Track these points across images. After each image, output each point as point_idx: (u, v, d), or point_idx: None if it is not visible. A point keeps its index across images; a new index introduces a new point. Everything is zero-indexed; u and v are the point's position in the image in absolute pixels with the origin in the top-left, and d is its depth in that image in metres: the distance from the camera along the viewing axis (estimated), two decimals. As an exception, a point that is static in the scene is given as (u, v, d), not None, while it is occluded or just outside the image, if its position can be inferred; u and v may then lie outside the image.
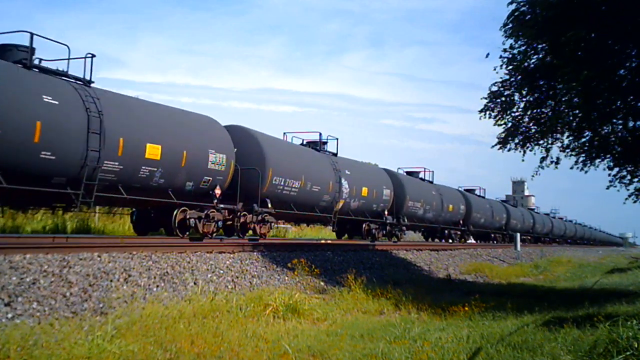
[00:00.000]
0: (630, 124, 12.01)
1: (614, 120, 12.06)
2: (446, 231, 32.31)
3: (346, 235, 25.23)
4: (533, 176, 13.04)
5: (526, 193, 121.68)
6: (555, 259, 32.09)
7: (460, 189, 36.42)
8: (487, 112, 12.67)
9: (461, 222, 33.67)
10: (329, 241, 20.44)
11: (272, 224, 17.60)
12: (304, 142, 21.44)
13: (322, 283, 12.44)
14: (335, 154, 22.02)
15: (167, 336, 6.71)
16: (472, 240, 36.63)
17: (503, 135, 12.73)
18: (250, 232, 16.94)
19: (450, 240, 32.46)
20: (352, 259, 15.95)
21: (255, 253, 12.97)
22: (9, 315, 6.95)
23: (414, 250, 21.17)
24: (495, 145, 12.87)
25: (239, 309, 8.71)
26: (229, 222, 15.90)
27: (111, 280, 8.80)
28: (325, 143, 21.72)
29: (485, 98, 12.63)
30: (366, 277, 12.32)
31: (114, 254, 9.71)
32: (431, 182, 31.02)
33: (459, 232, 33.86)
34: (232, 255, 12.18)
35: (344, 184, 20.89)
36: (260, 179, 16.26)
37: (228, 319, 8.05)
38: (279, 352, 6.56)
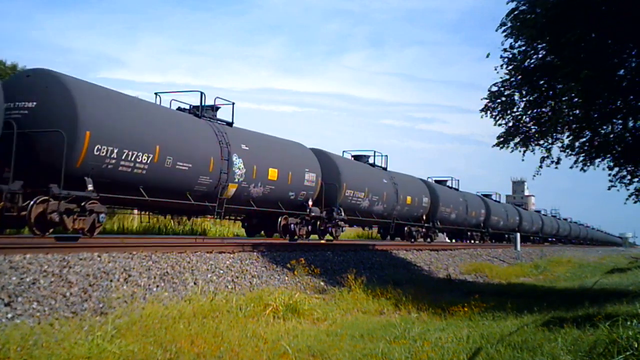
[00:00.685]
0: (630, 124, 12.01)
1: (614, 120, 12.07)
2: (405, 228, 27.60)
3: (262, 232, 20.81)
4: (534, 176, 13.07)
5: (526, 193, 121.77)
6: (555, 259, 32.12)
7: (428, 179, 31.90)
8: (488, 112, 12.68)
9: (424, 217, 28.86)
10: (329, 241, 20.43)
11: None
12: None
13: (322, 283, 12.45)
14: (385, 169, 26.15)
15: (167, 336, 6.71)
16: (442, 239, 34.71)
17: (503, 135, 12.73)
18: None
19: (412, 240, 27.60)
20: (352, 259, 15.96)
21: (255, 253, 12.97)
22: (9, 315, 6.95)
23: (414, 250, 21.18)
24: (496, 145, 12.88)
25: (239, 309, 8.71)
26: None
27: (111, 280, 8.80)
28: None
29: (486, 98, 12.64)
30: (366, 277, 12.33)
31: (114, 254, 9.71)
32: (385, 169, 26.32)
33: (422, 230, 29.10)
34: (232, 255, 12.18)
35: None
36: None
37: (228, 319, 8.05)
38: (278, 352, 6.56)
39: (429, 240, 29.52)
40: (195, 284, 9.93)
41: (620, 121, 12.11)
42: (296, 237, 18.98)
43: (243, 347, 6.68)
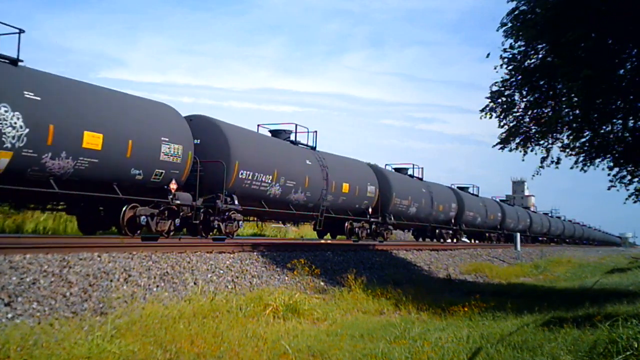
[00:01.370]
0: (630, 124, 12.00)
1: (614, 120, 12.06)
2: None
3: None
4: (533, 176, 13.06)
5: (526, 193, 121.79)
6: (555, 259, 32.11)
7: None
8: (490, 112, 12.67)
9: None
10: (329, 241, 20.44)
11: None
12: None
13: (322, 283, 12.45)
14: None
15: (167, 336, 6.71)
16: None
17: (504, 135, 12.73)
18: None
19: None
20: (352, 259, 15.95)
21: (255, 253, 12.97)
22: (9, 315, 6.95)
23: (414, 250, 21.17)
24: (496, 145, 12.89)
25: (239, 309, 8.71)
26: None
27: (111, 280, 8.80)
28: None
29: (488, 98, 12.64)
30: (366, 277, 12.33)
31: (114, 254, 9.71)
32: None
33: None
34: (232, 255, 12.18)
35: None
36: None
37: (228, 319, 8.05)
38: (278, 352, 6.56)
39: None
40: (195, 284, 9.93)
41: (620, 121, 12.11)
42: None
43: (243, 347, 6.68)
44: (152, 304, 8.14)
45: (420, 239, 31.04)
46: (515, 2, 11.59)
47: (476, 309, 9.79)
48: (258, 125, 19.57)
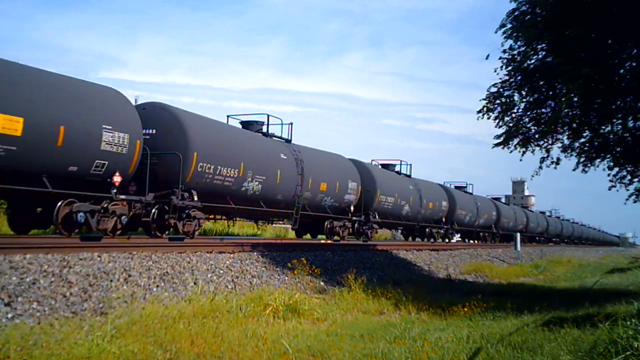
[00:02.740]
0: (630, 124, 12.00)
1: (614, 120, 12.06)
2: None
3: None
4: (533, 176, 13.06)
5: (526, 193, 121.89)
6: (555, 259, 32.11)
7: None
8: (487, 114, 12.67)
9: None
10: (329, 241, 20.43)
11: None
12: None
13: (322, 283, 12.45)
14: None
15: (167, 336, 6.71)
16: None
17: (504, 135, 12.73)
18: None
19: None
20: (352, 258, 15.95)
21: (255, 253, 12.97)
22: (9, 315, 6.95)
23: (414, 250, 21.17)
24: (495, 145, 12.88)
25: (239, 309, 8.71)
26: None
27: (111, 280, 8.80)
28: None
29: (484, 99, 12.64)
30: (366, 277, 12.33)
31: (114, 254, 9.71)
32: (409, 176, 28.70)
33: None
34: (232, 255, 12.18)
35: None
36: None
37: (228, 319, 8.05)
38: (278, 352, 6.56)
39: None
40: (195, 284, 9.93)
41: (620, 121, 12.11)
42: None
43: (243, 347, 6.68)
44: (152, 304, 8.14)
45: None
46: (515, 3, 11.60)
47: (476, 309, 9.79)
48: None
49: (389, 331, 7.99)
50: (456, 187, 32.89)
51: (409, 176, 28.76)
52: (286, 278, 12.06)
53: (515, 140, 12.62)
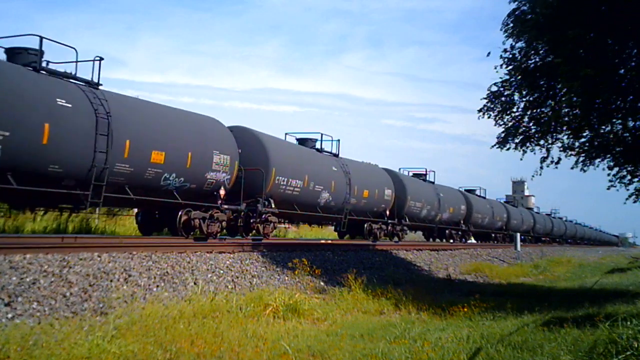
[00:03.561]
0: (630, 124, 12.01)
1: (614, 120, 12.06)
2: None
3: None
4: (533, 176, 13.05)
5: (526, 193, 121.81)
6: (555, 259, 32.10)
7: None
8: (487, 113, 12.68)
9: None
10: (329, 241, 20.44)
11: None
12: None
13: (322, 283, 12.44)
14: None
15: (167, 336, 6.71)
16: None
17: (503, 135, 12.73)
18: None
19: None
20: (352, 259, 15.95)
21: (255, 253, 12.97)
22: (9, 315, 6.95)
23: (414, 250, 21.17)
24: (495, 145, 12.88)
25: (239, 309, 8.71)
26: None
27: (111, 280, 8.79)
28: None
29: (485, 98, 12.64)
30: (366, 277, 12.32)
31: (114, 254, 9.71)
32: (432, 183, 31.29)
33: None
34: (232, 255, 12.18)
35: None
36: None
37: (228, 319, 8.05)
38: (278, 352, 6.56)
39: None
40: (195, 284, 9.93)
41: (620, 121, 12.11)
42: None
43: (243, 347, 6.69)
44: (152, 304, 8.14)
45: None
46: (516, 3, 11.60)
47: (476, 309, 9.79)
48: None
49: (389, 331, 7.98)
50: (414, 175, 31.70)
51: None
52: (286, 278, 12.05)
53: (516, 140, 12.63)
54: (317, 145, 21.17)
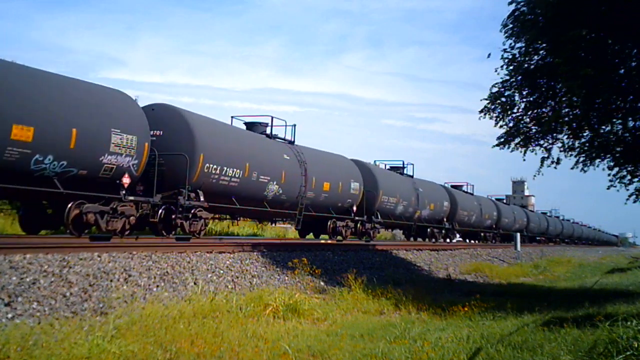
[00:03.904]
0: (630, 124, 12.01)
1: (614, 120, 12.06)
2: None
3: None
4: (535, 176, 13.06)
5: (526, 193, 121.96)
6: (555, 259, 32.11)
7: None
8: (488, 113, 12.69)
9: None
10: (329, 241, 20.45)
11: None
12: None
13: (322, 283, 12.45)
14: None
15: (167, 336, 6.71)
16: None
17: (504, 135, 12.74)
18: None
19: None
20: (352, 259, 15.96)
21: (255, 253, 12.97)
22: (9, 315, 6.95)
23: (414, 250, 21.17)
24: (496, 145, 12.89)
25: (239, 309, 8.71)
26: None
27: (111, 280, 8.80)
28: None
29: (486, 99, 12.65)
30: (366, 277, 12.32)
31: (114, 254, 9.71)
32: (411, 177, 28.76)
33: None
34: (232, 255, 12.19)
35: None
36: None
37: (228, 319, 8.05)
38: (278, 352, 6.56)
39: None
40: (195, 284, 9.93)
41: (620, 121, 12.11)
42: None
43: (243, 347, 6.69)
44: (152, 304, 8.14)
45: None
46: (515, 4, 11.60)
47: (476, 309, 9.79)
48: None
49: (389, 331, 7.98)
50: (391, 168, 28.90)
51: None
52: (286, 278, 12.06)
53: (516, 140, 12.64)
54: (268, 131, 18.51)
